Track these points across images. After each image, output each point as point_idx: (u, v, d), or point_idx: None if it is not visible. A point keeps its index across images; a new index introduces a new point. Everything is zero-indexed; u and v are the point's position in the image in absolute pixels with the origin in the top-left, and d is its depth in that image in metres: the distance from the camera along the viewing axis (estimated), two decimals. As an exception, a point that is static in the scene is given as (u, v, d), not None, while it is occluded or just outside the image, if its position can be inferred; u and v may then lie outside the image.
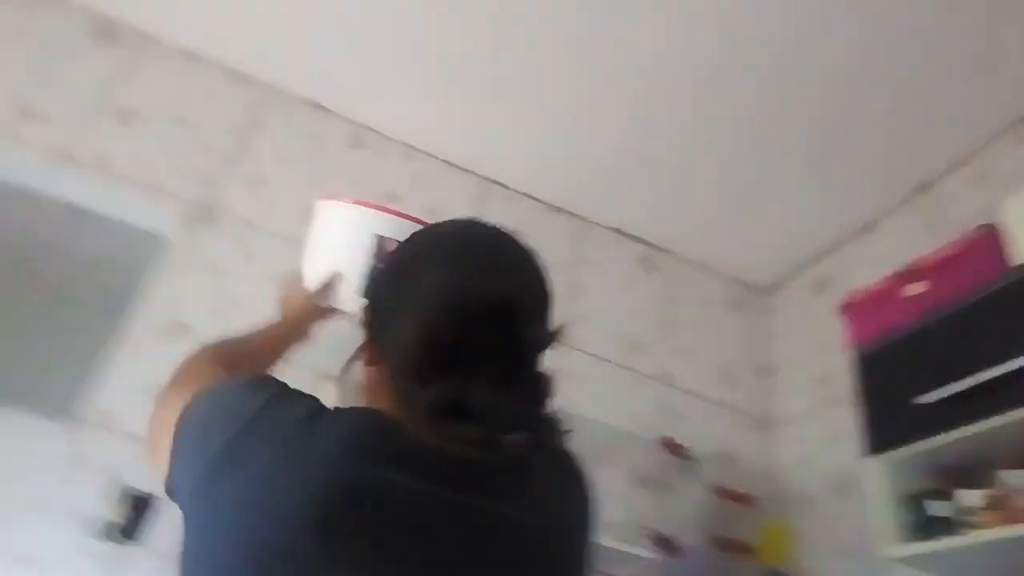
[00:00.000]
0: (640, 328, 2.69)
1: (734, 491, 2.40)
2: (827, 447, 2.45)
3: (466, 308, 0.67)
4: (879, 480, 1.86)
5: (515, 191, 2.75)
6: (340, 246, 1.24)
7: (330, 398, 0.76)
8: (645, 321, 2.72)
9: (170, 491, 0.69)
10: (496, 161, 2.68)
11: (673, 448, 2.36)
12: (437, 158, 2.68)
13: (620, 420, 2.38)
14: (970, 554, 1.65)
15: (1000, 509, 1.60)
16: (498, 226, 0.77)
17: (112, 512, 1.87)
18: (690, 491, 2.39)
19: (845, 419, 2.11)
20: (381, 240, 1.31)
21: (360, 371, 0.76)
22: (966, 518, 1.67)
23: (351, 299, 1.20)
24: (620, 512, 2.29)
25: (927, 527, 1.74)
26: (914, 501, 1.80)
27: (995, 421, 1.59)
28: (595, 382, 2.49)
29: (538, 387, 0.70)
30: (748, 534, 2.37)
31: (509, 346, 0.68)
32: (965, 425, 1.65)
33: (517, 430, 0.66)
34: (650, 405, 2.54)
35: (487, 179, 2.73)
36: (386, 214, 1.27)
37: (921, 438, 1.75)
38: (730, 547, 2.31)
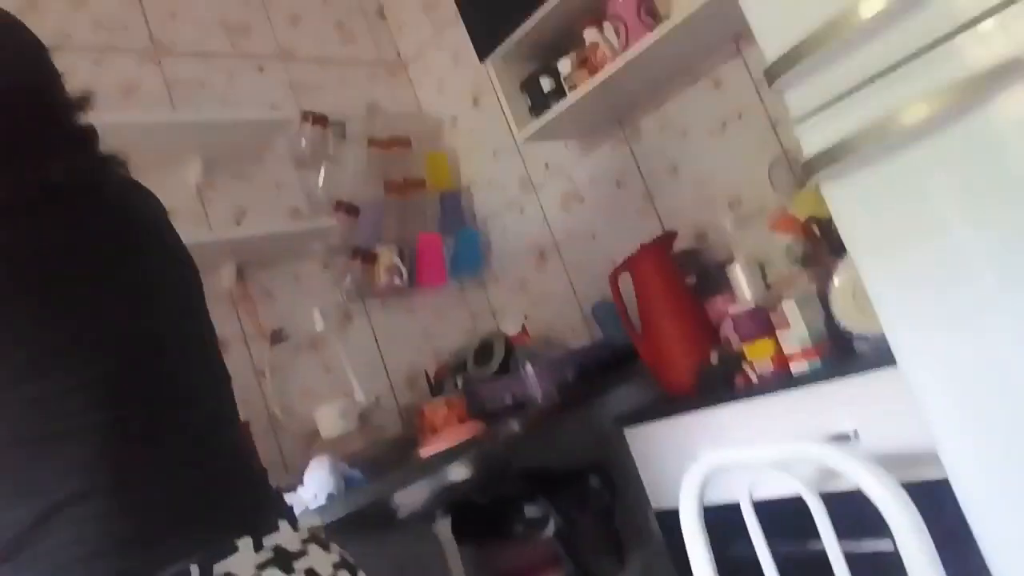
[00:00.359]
0: (239, 9, 2.45)
1: (387, 139, 2.52)
2: (452, 67, 2.62)
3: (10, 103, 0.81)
4: (499, 77, 2.08)
5: None
6: None
7: None
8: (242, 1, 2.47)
9: None
10: None
11: (317, 120, 2.36)
12: None
13: (259, 111, 2.29)
14: (577, 111, 1.99)
15: (586, 66, 1.90)
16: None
17: None
18: (348, 154, 2.47)
19: (462, 35, 2.23)
20: None
21: None
22: (567, 83, 1.97)
23: None
24: (294, 195, 2.33)
25: (544, 102, 2.03)
26: (531, 83, 2.05)
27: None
28: (214, 81, 2.30)
29: (86, 138, 0.89)
30: (414, 171, 2.58)
31: (49, 121, 0.86)
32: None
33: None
34: (280, 86, 2.44)
35: None
36: None
37: (515, 25, 1.94)
38: (403, 188, 2.51)
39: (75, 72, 2.12)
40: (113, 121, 1.89)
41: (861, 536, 1.19)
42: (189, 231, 2.16)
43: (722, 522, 1.24)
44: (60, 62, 2.07)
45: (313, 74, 2.52)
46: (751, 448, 1.17)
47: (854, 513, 1.06)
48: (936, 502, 1.04)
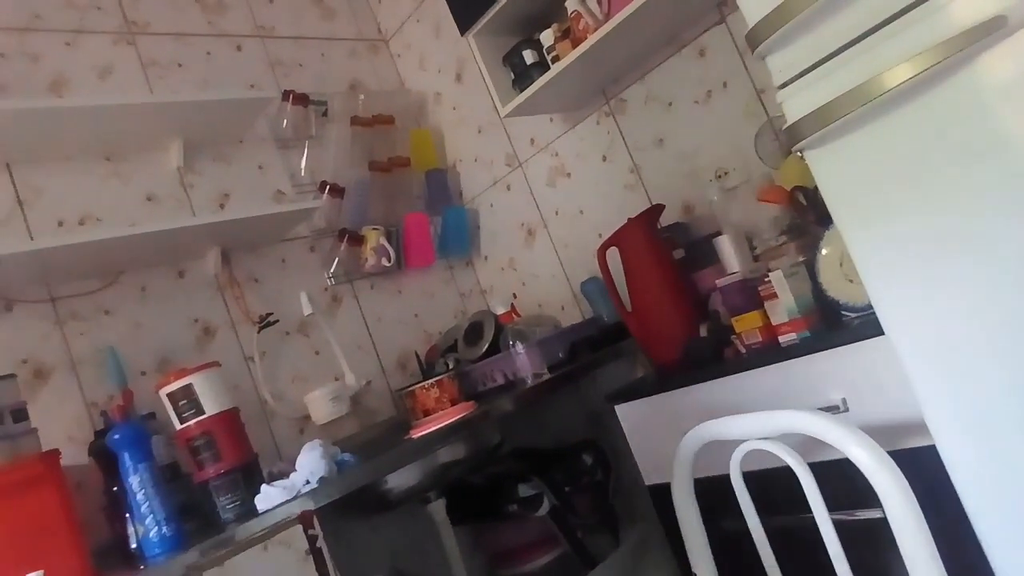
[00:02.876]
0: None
1: (370, 117, 2.48)
2: (434, 42, 2.58)
3: None
4: (480, 51, 2.04)
5: None
6: None
7: None
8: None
9: None
10: None
11: (298, 99, 2.32)
12: None
13: (238, 91, 2.24)
14: (560, 84, 1.95)
15: (569, 38, 1.86)
16: None
17: None
18: (331, 133, 2.43)
19: (442, 8, 2.19)
20: None
21: None
22: (549, 54, 1.94)
23: None
24: (277, 176, 2.30)
25: (527, 75, 1.99)
26: (513, 56, 2.01)
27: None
28: (192, 60, 2.25)
29: None
30: (399, 149, 2.54)
31: None
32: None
33: None
34: (259, 65, 2.40)
35: None
36: None
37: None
38: (388, 166, 2.48)
39: (47, 55, 2.09)
40: (90, 105, 1.89)
41: (851, 505, 1.18)
42: (172, 217, 2.14)
43: (715, 495, 1.24)
44: (31, 44, 2.03)
45: (292, 52, 2.48)
46: (740, 419, 1.16)
47: (845, 482, 1.06)
48: (923, 468, 1.04)
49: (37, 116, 1.74)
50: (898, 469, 0.97)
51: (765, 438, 1.12)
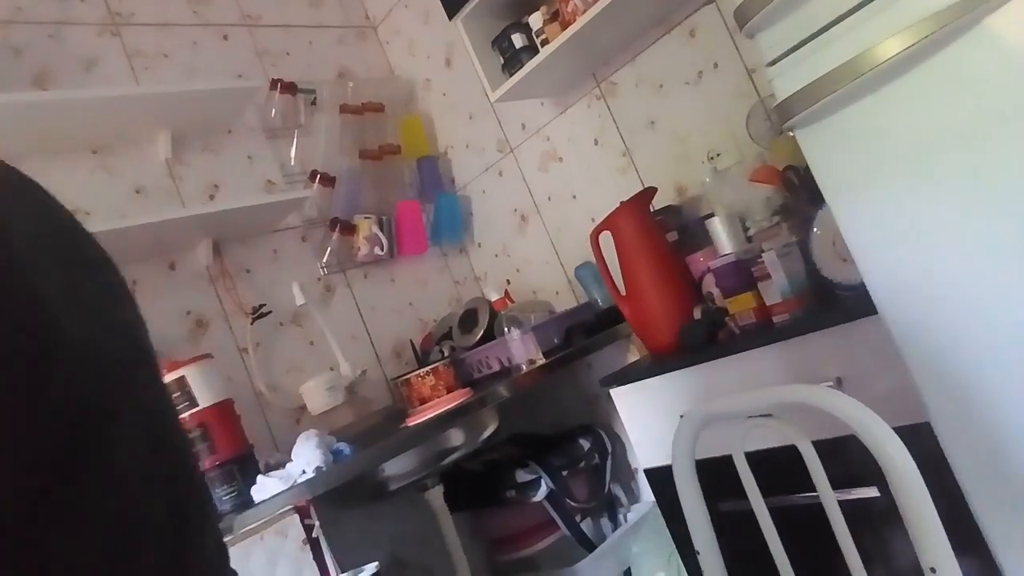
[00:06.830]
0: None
1: (359, 105, 2.46)
2: (422, 27, 2.56)
3: None
4: (469, 36, 2.02)
5: None
6: None
7: None
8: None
9: None
10: None
11: (286, 88, 2.30)
12: None
13: (225, 81, 2.22)
14: (550, 67, 1.94)
15: (557, 20, 1.85)
16: None
17: None
18: (320, 122, 2.41)
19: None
20: None
21: None
22: (538, 37, 1.92)
23: None
24: (267, 166, 2.28)
25: (516, 59, 1.97)
26: (502, 40, 1.99)
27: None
28: (178, 51, 2.23)
29: None
30: (389, 137, 2.53)
31: None
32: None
33: None
34: (246, 55, 2.37)
35: None
36: None
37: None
38: (378, 154, 2.46)
39: (30, 47, 2.06)
40: (75, 97, 1.86)
41: (846, 484, 1.18)
42: (162, 209, 2.11)
43: (711, 477, 1.24)
44: (13, 37, 2.00)
45: (280, 41, 2.45)
46: (745, 395, 1.15)
47: (839, 461, 1.06)
48: (918, 445, 1.03)
49: (21, 110, 1.72)
50: (901, 443, 0.96)
51: (767, 415, 1.12)
